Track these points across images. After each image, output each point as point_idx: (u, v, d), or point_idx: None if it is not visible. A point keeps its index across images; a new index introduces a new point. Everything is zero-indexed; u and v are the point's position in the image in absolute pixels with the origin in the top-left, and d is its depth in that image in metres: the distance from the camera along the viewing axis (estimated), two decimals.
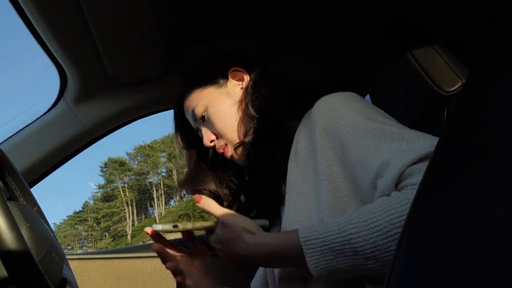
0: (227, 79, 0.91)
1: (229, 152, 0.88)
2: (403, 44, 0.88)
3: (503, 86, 0.26)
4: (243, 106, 0.86)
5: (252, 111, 0.84)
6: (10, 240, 0.50)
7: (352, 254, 0.53)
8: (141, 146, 43.00)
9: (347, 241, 0.53)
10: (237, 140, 0.87)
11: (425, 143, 0.58)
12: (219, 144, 0.89)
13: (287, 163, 0.79)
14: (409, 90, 0.88)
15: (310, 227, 0.59)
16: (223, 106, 0.89)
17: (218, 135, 0.88)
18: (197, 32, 1.02)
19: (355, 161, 0.63)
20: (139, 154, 42.86)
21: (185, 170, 0.96)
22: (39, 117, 1.16)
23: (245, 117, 0.85)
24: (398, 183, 0.56)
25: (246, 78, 0.90)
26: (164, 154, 43.34)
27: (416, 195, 0.30)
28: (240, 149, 0.86)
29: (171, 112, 1.00)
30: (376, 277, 0.58)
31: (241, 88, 0.89)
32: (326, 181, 0.66)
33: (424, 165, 0.55)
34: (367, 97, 1.36)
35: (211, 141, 0.89)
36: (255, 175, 0.87)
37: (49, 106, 1.17)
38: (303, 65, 1.28)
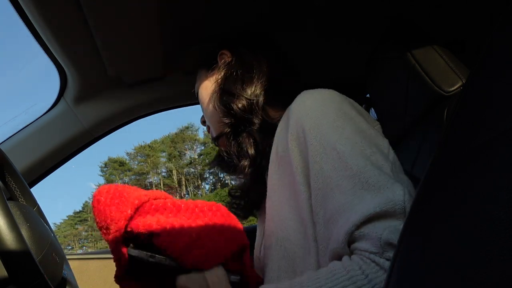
0: (217, 62, 0.89)
1: (213, 136, 0.89)
2: (403, 44, 0.88)
3: (503, 86, 0.26)
4: (218, 91, 0.83)
5: (222, 96, 0.81)
6: (10, 240, 0.50)
7: None
8: (141, 146, 43.01)
9: None
10: (216, 128, 0.86)
11: (382, 196, 0.52)
12: (208, 126, 0.91)
13: (267, 160, 0.74)
14: (409, 90, 0.88)
15: None
16: (206, 91, 0.88)
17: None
18: (197, 32, 1.02)
19: (315, 186, 0.60)
20: (139, 154, 42.87)
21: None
22: (39, 117, 1.16)
23: (220, 104, 0.82)
24: (350, 242, 0.53)
25: (228, 57, 0.87)
26: (164, 154, 43.35)
27: (416, 195, 0.30)
28: (221, 139, 0.85)
29: (171, 112, 1.01)
30: None
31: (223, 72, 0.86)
32: (303, 194, 0.63)
33: (374, 227, 0.50)
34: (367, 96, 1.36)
35: (203, 122, 0.93)
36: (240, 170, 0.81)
37: (49, 106, 1.17)
38: (303, 65, 1.28)
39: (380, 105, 1.01)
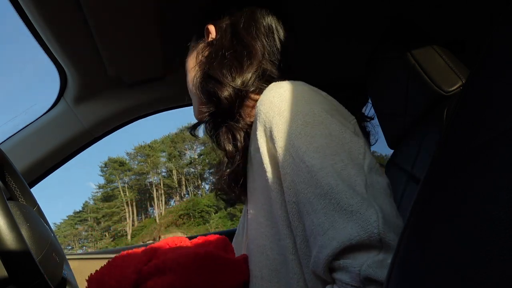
0: (203, 35, 0.79)
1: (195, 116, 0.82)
2: (403, 44, 0.88)
3: (503, 86, 0.26)
4: (200, 75, 0.74)
5: (203, 81, 0.72)
6: (10, 240, 0.50)
7: None
8: (141, 146, 42.99)
9: None
10: (196, 111, 0.79)
11: (356, 224, 0.48)
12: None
13: (243, 157, 0.69)
14: (409, 90, 0.88)
15: None
16: (189, 66, 0.80)
17: None
18: (196, 32, 1.02)
19: (289, 199, 0.55)
20: (139, 154, 42.86)
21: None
22: (39, 117, 1.16)
23: (201, 89, 0.73)
24: (330, 268, 0.50)
25: (212, 34, 0.77)
26: (164, 154, 43.34)
27: (416, 195, 0.30)
28: (207, 125, 0.77)
29: (171, 112, 0.99)
30: None
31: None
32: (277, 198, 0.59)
33: (350, 260, 0.47)
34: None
35: None
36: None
37: (49, 106, 1.17)
38: (303, 65, 1.28)
39: (380, 105, 1.01)
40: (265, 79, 0.71)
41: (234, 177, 0.71)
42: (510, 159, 0.23)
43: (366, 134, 0.77)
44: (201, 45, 0.79)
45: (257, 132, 0.61)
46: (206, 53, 0.75)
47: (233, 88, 0.69)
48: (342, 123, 0.58)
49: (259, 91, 0.69)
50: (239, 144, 0.69)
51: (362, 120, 0.74)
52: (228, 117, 0.70)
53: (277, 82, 0.62)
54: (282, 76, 0.71)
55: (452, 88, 0.80)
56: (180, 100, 1.29)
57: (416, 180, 0.88)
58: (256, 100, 0.67)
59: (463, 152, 0.27)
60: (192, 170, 43.17)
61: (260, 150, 0.60)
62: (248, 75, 0.69)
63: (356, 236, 0.47)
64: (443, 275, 0.24)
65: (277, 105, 0.58)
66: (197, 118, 0.82)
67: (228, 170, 0.71)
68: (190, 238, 0.78)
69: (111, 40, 0.93)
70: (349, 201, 0.49)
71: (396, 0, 0.98)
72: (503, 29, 0.28)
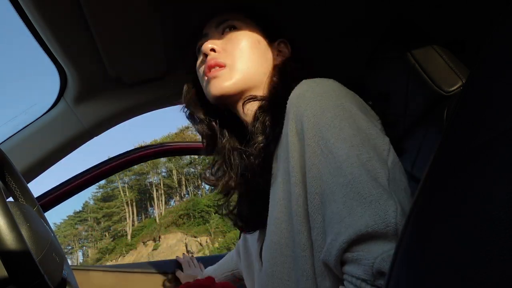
0: (273, 42, 0.82)
1: (223, 82, 0.73)
2: (403, 44, 0.88)
3: (503, 86, 0.26)
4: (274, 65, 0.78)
5: (281, 74, 0.75)
6: (10, 240, 0.50)
7: None
8: (141, 146, 42.97)
9: None
10: (247, 83, 0.74)
11: (372, 212, 0.48)
12: (217, 60, 0.74)
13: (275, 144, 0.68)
14: (409, 90, 0.88)
15: None
16: (258, 51, 0.77)
17: (228, 62, 0.74)
18: (197, 32, 1.02)
19: (312, 191, 0.56)
20: None
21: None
22: (39, 117, 1.16)
23: (280, 80, 0.75)
24: (341, 261, 0.50)
25: (286, 50, 0.83)
26: None
27: (416, 195, 0.30)
28: (249, 104, 0.74)
29: (171, 112, 1.00)
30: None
31: (282, 57, 0.81)
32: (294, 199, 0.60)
33: (364, 252, 0.47)
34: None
35: (212, 49, 0.75)
36: (248, 158, 0.72)
37: (49, 106, 1.17)
38: (303, 65, 1.28)
39: (380, 105, 1.01)
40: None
41: (265, 160, 0.69)
42: (510, 159, 0.23)
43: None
44: (276, 51, 0.82)
45: (288, 126, 0.62)
46: (280, 60, 0.80)
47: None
48: (369, 119, 0.60)
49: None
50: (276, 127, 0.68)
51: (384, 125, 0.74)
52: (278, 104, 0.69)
53: (308, 80, 0.64)
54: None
55: (452, 88, 0.80)
56: (180, 100, 1.29)
57: (416, 180, 0.88)
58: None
59: (463, 152, 0.27)
60: (192, 170, 43.14)
61: (289, 140, 0.61)
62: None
63: (373, 224, 0.47)
64: (443, 275, 0.24)
65: (309, 98, 0.60)
66: (241, 106, 0.76)
67: (260, 151, 0.69)
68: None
69: (111, 40, 0.93)
70: (371, 191, 0.50)
71: (396, 0, 0.98)
72: (503, 29, 0.28)
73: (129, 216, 41.29)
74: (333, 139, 0.55)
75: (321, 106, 0.59)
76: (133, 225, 40.94)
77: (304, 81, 0.64)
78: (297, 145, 0.60)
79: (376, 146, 0.57)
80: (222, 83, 0.73)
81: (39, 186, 1.23)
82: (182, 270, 1.36)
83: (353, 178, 0.51)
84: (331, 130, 0.56)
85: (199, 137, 0.91)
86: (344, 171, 0.52)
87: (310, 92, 0.61)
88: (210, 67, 0.74)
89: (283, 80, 0.74)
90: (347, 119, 0.57)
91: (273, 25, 0.84)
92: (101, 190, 43.00)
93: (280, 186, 0.64)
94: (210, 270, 1.26)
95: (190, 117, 0.88)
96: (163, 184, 42.89)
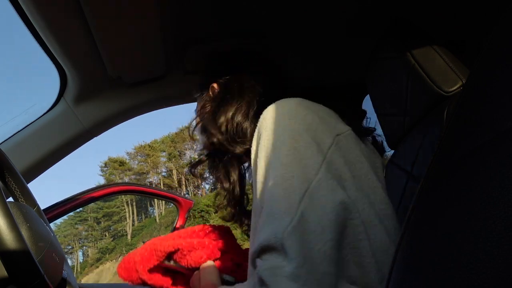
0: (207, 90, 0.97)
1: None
2: (403, 44, 0.88)
3: (503, 86, 0.26)
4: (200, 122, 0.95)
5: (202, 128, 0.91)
6: (10, 240, 0.50)
7: None
8: (141, 145, 42.98)
9: None
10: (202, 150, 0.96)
11: (272, 227, 0.55)
12: None
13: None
14: (409, 90, 0.88)
15: None
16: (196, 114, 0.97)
17: None
18: (197, 32, 1.02)
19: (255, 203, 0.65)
20: (139, 154, 42.85)
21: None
22: (39, 117, 1.16)
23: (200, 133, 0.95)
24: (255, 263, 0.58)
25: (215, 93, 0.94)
26: (164, 153, 43.31)
27: (416, 195, 0.30)
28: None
29: (171, 112, 1.02)
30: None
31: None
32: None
33: (260, 261, 0.55)
34: (367, 97, 1.36)
35: None
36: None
37: (49, 106, 1.17)
38: (303, 66, 1.28)
39: (380, 105, 1.01)
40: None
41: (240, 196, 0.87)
42: (510, 159, 0.23)
43: (377, 144, 0.83)
44: (203, 100, 0.95)
45: (253, 144, 0.70)
46: (206, 106, 0.92)
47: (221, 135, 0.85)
48: (314, 139, 0.64)
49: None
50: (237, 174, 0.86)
51: (363, 134, 0.78)
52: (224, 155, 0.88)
53: (274, 103, 0.70)
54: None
55: (452, 88, 0.80)
56: (180, 99, 1.29)
57: (416, 180, 0.88)
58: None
59: (463, 152, 0.27)
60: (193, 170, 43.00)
61: (252, 159, 0.69)
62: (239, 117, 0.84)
63: (267, 238, 0.54)
64: (443, 275, 0.24)
65: (266, 120, 0.67)
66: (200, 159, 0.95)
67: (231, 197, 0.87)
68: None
69: (111, 40, 0.93)
70: (280, 207, 0.56)
71: (396, 0, 0.98)
72: (503, 29, 0.28)
73: (129, 216, 41.29)
74: (273, 159, 0.62)
75: (273, 128, 0.66)
76: (133, 224, 40.94)
77: (270, 105, 0.71)
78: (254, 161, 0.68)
79: (306, 165, 0.60)
80: None
81: (39, 186, 1.23)
82: None
83: (271, 196, 0.58)
84: (273, 150, 0.63)
85: (198, 137, 0.95)
86: (269, 189, 0.60)
87: (268, 114, 0.68)
88: None
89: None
90: (288, 140, 0.63)
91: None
92: None
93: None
94: None
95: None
96: (163, 184, 42.87)
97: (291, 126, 0.65)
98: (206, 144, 0.88)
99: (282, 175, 0.59)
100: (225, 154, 0.85)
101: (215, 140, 0.84)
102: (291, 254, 0.51)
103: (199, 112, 0.93)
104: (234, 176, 0.85)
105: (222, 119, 0.84)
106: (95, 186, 1.65)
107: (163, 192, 1.97)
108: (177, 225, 1.89)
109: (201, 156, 0.92)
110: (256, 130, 0.69)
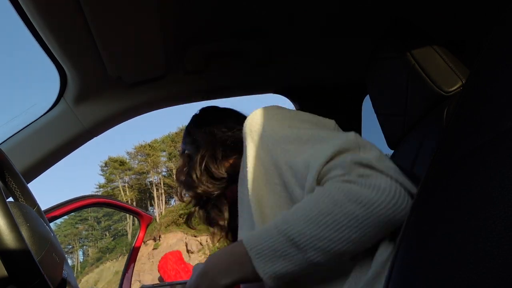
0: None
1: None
2: (403, 44, 0.88)
3: (503, 86, 0.26)
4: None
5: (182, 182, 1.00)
6: (10, 240, 0.50)
7: (294, 250, 0.56)
8: (142, 145, 42.97)
9: (288, 241, 0.57)
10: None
11: (336, 140, 0.61)
12: None
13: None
14: (409, 90, 0.88)
15: (253, 235, 0.61)
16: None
17: None
18: (197, 32, 1.02)
19: (282, 163, 0.67)
20: (139, 154, 42.83)
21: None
22: (39, 117, 1.16)
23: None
24: (320, 180, 0.60)
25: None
26: (164, 153, 43.29)
27: (416, 195, 0.30)
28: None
29: (171, 112, 1.03)
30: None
31: None
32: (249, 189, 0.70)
33: (338, 159, 0.59)
34: (367, 97, 1.36)
35: None
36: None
37: (49, 106, 1.17)
38: (303, 66, 1.28)
39: (380, 105, 1.01)
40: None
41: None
42: (510, 159, 0.23)
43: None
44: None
45: (246, 143, 0.72)
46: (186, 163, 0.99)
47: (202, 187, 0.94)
48: (317, 124, 0.73)
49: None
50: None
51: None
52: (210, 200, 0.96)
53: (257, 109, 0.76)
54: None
55: (452, 88, 0.80)
56: (180, 99, 1.29)
57: (416, 180, 0.88)
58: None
59: (463, 152, 0.27)
60: None
61: (248, 157, 0.71)
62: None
63: (338, 144, 0.59)
64: (443, 275, 0.24)
65: (257, 119, 0.72)
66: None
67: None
68: None
69: (111, 40, 0.93)
70: (322, 134, 0.65)
71: (396, 0, 0.98)
72: (503, 29, 0.28)
73: (130, 216, 41.29)
74: (288, 129, 0.69)
75: (270, 117, 0.72)
76: (133, 224, 40.98)
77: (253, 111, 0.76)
78: (254, 150, 0.72)
79: (325, 125, 0.72)
80: None
81: (39, 186, 1.23)
82: None
83: (317, 135, 0.66)
84: (285, 125, 0.70)
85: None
86: (305, 137, 0.66)
87: (258, 115, 0.73)
88: None
89: None
90: (296, 120, 0.72)
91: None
92: (101, 189, 43.06)
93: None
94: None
95: None
96: (164, 184, 42.88)
97: (287, 113, 0.73)
98: (192, 197, 0.96)
99: (308, 131, 0.66)
100: (211, 197, 0.93)
101: (199, 191, 0.92)
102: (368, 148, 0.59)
103: (177, 175, 1.01)
104: (226, 213, 0.92)
105: (197, 172, 0.91)
106: (65, 200, 1.69)
107: (128, 206, 2.13)
108: (139, 235, 2.08)
109: (191, 209, 1.00)
110: (244, 130, 0.73)
